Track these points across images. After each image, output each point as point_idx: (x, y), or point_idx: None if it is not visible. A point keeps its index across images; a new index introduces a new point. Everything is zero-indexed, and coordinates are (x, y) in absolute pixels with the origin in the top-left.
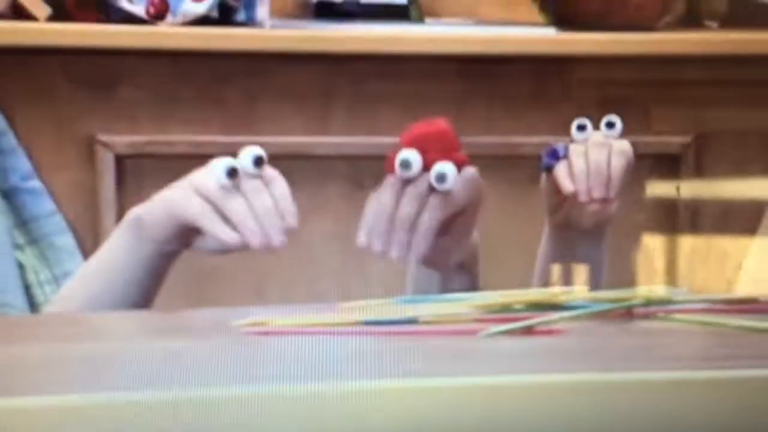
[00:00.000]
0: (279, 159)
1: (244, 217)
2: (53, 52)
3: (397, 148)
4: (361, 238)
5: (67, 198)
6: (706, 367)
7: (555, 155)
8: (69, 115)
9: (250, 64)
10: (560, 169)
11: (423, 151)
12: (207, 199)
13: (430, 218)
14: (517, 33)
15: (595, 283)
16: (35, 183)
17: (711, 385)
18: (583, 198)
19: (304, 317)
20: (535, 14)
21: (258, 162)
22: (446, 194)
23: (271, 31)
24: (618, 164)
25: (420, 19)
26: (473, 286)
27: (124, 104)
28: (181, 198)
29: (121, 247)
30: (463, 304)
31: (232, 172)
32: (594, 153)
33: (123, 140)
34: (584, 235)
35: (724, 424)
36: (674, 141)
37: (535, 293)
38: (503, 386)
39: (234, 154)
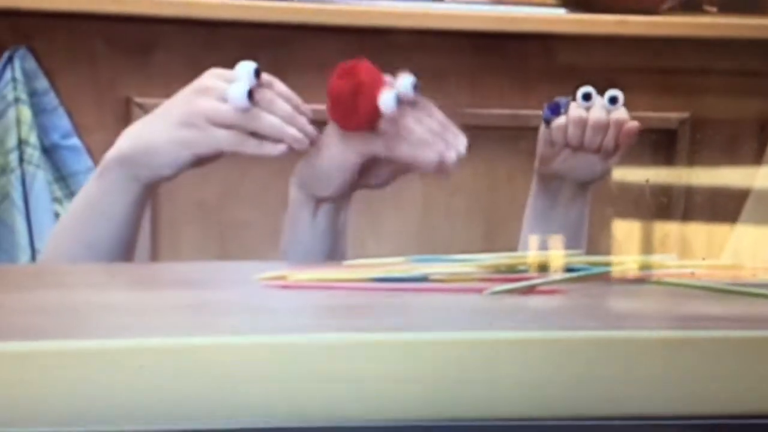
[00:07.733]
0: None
1: (279, 127)
2: (95, 18)
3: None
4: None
5: (104, 156)
6: (692, 327)
7: (556, 109)
8: (107, 78)
9: (279, 34)
10: (559, 120)
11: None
12: (231, 127)
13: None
14: (529, 12)
15: (575, 243)
16: (75, 141)
17: (695, 344)
18: (576, 145)
19: (321, 273)
20: None
21: (257, 73)
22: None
23: (300, 3)
24: (618, 119)
25: None
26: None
27: (159, 69)
28: (199, 135)
29: (108, 190)
30: (471, 264)
31: (251, 94)
32: (595, 111)
33: (157, 103)
34: (569, 190)
35: (707, 381)
36: (672, 117)
37: (538, 255)
38: (505, 341)
39: None
